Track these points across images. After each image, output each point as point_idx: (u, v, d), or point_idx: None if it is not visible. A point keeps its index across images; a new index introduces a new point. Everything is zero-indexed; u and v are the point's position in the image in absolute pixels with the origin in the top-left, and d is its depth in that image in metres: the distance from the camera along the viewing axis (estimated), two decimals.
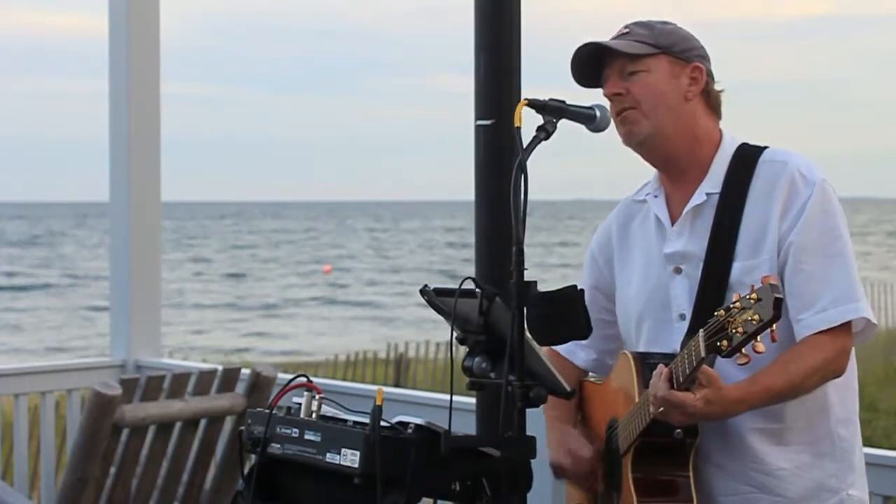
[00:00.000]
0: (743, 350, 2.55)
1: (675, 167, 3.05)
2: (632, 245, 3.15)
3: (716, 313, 2.59)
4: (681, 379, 2.70)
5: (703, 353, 2.61)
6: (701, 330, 2.63)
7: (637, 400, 2.87)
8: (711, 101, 3.04)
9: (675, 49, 2.99)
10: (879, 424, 12.70)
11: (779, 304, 2.50)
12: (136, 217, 6.32)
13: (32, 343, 30.97)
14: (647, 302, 3.06)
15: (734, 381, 2.79)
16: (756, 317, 2.51)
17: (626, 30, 3.03)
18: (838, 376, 2.87)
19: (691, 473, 2.85)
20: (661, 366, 2.76)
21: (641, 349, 3.05)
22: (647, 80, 2.97)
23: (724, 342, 2.55)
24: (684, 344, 2.79)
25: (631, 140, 3.01)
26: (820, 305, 2.84)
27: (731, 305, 2.55)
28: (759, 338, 2.54)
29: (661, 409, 2.72)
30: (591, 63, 3.03)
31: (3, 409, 8.91)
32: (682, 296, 2.98)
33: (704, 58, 3.04)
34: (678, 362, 2.72)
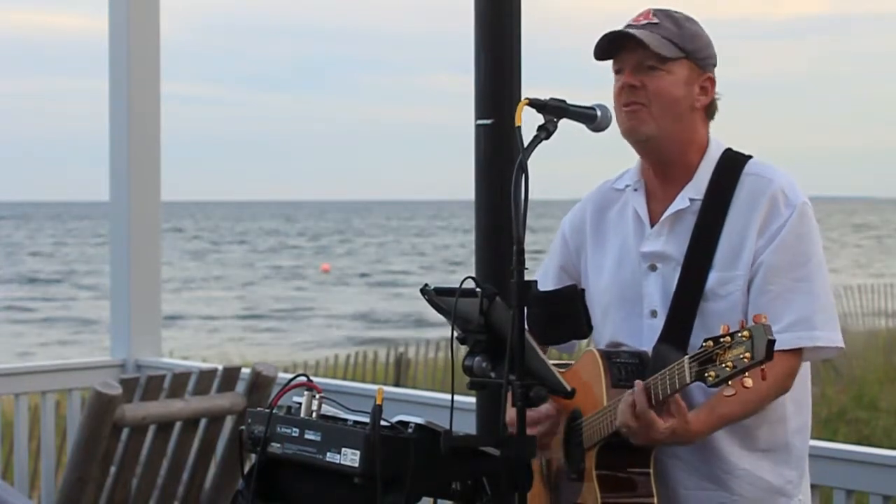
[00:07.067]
0: (730, 382, 2.60)
1: (665, 168, 3.05)
2: (607, 233, 3.15)
3: (703, 343, 2.63)
4: (660, 397, 2.75)
5: (688, 380, 2.66)
6: (686, 356, 2.68)
7: (605, 403, 2.91)
8: (710, 109, 3.05)
9: (697, 55, 2.98)
10: (879, 424, 12.66)
11: (771, 346, 2.55)
12: (137, 217, 6.32)
13: None
14: (619, 294, 3.08)
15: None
16: (748, 355, 2.56)
17: (655, 19, 2.98)
18: (784, 394, 2.94)
19: (652, 470, 2.91)
20: (638, 382, 2.80)
21: (607, 338, 3.09)
22: (665, 82, 2.96)
23: (712, 373, 2.61)
24: (660, 355, 2.86)
25: (631, 136, 3.01)
26: (777, 327, 2.85)
27: (721, 339, 2.60)
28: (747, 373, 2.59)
29: (630, 424, 2.77)
30: (611, 40, 2.99)
31: (3, 409, 8.92)
32: (655, 293, 3.01)
33: (716, 66, 3.03)
34: (658, 381, 2.76)
